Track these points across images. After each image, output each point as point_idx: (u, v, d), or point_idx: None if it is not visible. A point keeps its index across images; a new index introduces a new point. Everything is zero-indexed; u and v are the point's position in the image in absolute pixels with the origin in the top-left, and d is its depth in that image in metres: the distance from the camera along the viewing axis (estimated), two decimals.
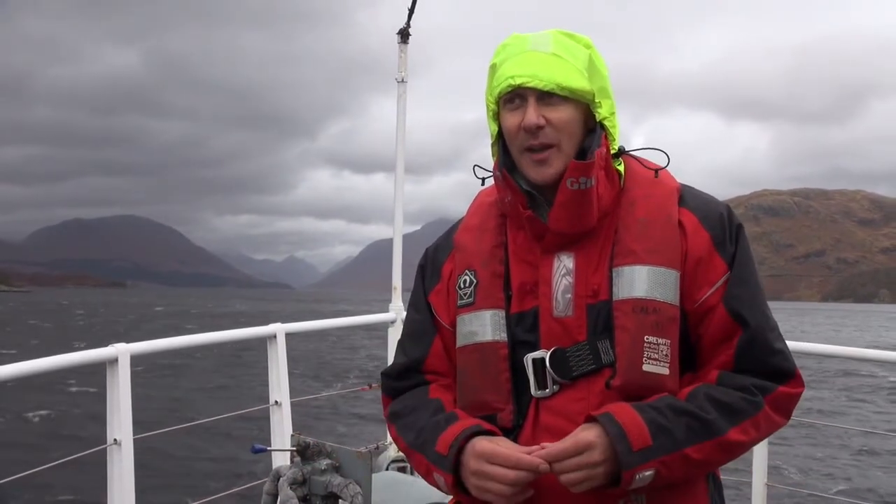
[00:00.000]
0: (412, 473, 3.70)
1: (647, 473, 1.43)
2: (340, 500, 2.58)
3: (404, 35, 4.72)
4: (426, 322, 1.78)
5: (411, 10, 4.60)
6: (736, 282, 1.56)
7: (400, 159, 4.80)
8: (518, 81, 1.55)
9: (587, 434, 1.43)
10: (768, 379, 1.54)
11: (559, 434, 1.53)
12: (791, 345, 1.76)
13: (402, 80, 4.77)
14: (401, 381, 1.77)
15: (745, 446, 1.54)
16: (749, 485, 3.79)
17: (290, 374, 3.94)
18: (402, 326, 4.55)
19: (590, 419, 1.47)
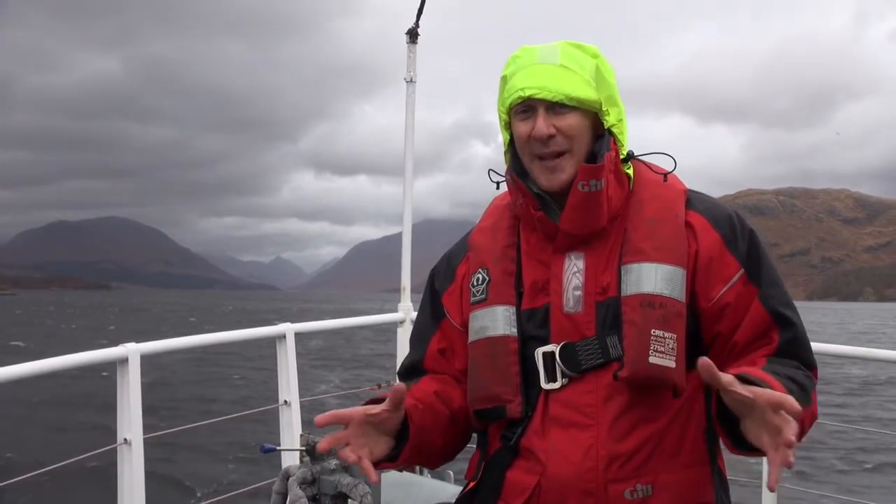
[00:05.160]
0: (421, 473, 3.71)
1: None
2: (350, 500, 2.58)
3: (413, 35, 4.65)
4: (426, 325, 1.87)
5: (420, 10, 4.53)
6: (768, 282, 1.64)
7: (409, 162, 4.76)
8: (528, 93, 1.61)
9: (761, 389, 1.32)
10: None
11: (568, 425, 1.60)
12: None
13: (411, 81, 4.71)
14: (407, 379, 1.83)
15: (814, 421, 1.58)
16: (758, 485, 3.79)
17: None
18: (411, 326, 4.55)
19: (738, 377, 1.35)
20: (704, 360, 1.29)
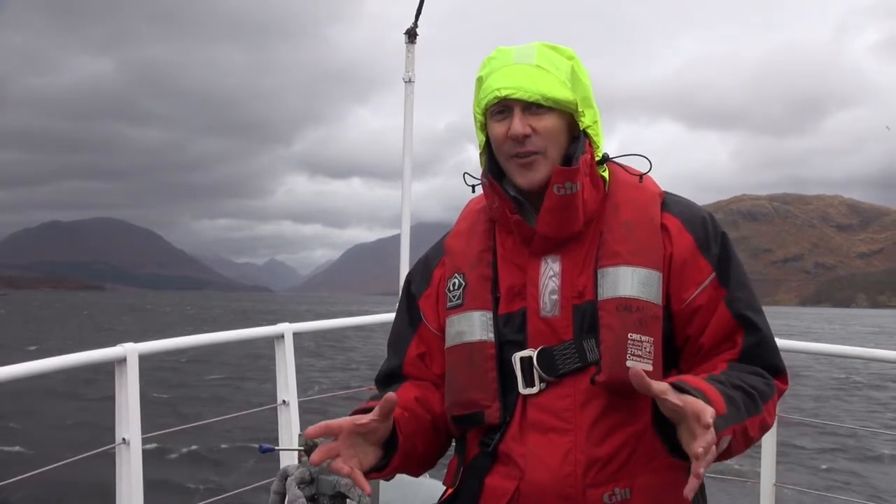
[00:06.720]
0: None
1: (726, 438, 1.42)
2: (348, 500, 2.59)
3: (411, 35, 4.66)
4: (403, 330, 1.84)
5: (419, 10, 4.54)
6: (735, 285, 1.64)
7: (407, 161, 4.77)
8: (504, 93, 1.61)
9: (691, 398, 1.35)
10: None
11: (546, 430, 1.59)
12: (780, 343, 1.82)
13: (410, 81, 4.71)
14: (386, 386, 1.83)
15: (766, 430, 1.58)
16: (757, 485, 3.81)
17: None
18: None
19: (673, 386, 1.39)
20: (634, 371, 1.32)
